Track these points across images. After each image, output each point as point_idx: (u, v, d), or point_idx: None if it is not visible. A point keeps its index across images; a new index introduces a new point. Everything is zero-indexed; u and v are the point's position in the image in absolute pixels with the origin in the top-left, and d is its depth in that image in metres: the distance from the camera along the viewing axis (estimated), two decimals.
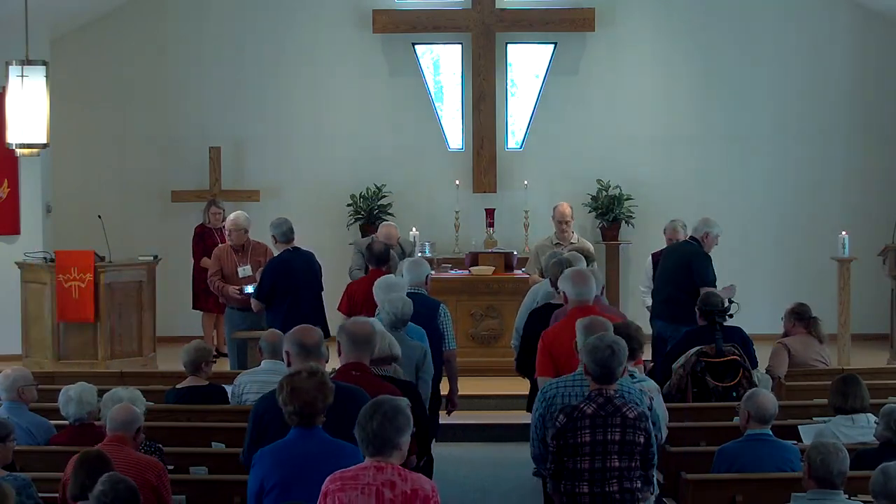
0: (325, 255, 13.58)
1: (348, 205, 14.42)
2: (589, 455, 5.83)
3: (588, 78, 14.71)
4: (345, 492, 4.83)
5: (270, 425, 5.64)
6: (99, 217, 12.28)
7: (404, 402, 4.98)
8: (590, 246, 11.52)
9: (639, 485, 5.93)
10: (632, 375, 6.69)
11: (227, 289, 11.02)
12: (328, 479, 4.91)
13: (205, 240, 13.13)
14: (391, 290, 8.13)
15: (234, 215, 11.38)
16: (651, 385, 6.95)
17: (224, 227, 11.39)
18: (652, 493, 6.15)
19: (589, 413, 5.85)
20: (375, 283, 8.47)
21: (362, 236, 13.33)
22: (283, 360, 8.27)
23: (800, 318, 9.48)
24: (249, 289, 10.88)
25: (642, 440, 5.88)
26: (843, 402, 7.15)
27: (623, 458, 5.85)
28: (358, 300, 9.22)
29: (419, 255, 12.71)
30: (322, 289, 10.54)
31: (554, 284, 8.47)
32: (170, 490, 6.14)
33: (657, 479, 6.46)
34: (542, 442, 6.22)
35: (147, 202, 14.59)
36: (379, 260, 9.78)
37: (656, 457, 6.10)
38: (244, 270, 11.07)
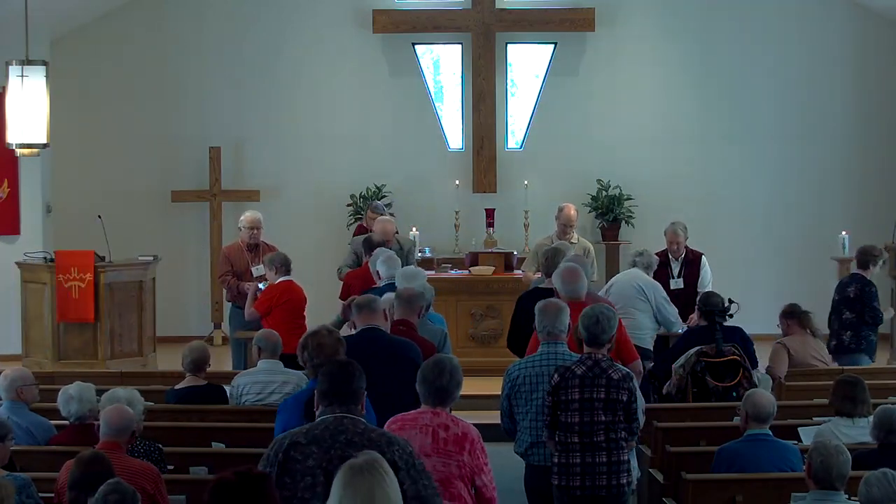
0: (325, 254, 13.64)
1: (348, 205, 14.42)
2: (578, 410, 6.54)
3: (588, 78, 14.71)
4: (405, 430, 5.55)
5: None
6: (99, 217, 12.26)
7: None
8: (589, 246, 11.53)
9: (623, 434, 6.60)
10: None
11: (243, 286, 11.02)
12: (389, 421, 5.67)
13: None
14: (414, 278, 8.45)
15: (253, 214, 11.44)
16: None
17: (244, 226, 11.39)
18: (636, 444, 6.95)
19: (579, 374, 6.58)
20: (398, 272, 8.65)
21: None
22: (279, 360, 8.38)
23: (792, 316, 9.53)
24: (262, 286, 10.94)
25: (625, 398, 6.56)
26: (853, 408, 7.13)
27: (608, 413, 6.54)
28: (355, 288, 9.34)
29: (419, 254, 12.72)
30: None
31: (546, 274, 8.83)
32: (166, 496, 6.10)
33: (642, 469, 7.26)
34: (510, 418, 7.02)
35: (147, 202, 14.59)
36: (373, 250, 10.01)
37: (639, 412, 6.78)
38: (258, 270, 11.13)
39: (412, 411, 5.76)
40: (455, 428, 5.67)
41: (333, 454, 4.73)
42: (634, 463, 7.07)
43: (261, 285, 10.92)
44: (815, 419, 7.81)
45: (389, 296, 7.93)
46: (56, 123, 11.07)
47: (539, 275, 9.71)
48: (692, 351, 8.51)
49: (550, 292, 8.05)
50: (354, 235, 12.48)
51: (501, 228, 14.00)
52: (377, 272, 9.17)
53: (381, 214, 11.99)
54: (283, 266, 10.26)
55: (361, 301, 7.23)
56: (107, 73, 14.63)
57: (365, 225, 12.50)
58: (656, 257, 10.55)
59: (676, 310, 10.14)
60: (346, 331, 7.78)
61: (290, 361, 8.67)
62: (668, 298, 10.15)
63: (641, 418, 7.12)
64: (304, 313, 10.29)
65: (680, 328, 10.07)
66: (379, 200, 14.35)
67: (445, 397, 5.71)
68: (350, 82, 14.74)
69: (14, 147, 10.09)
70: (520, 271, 12.53)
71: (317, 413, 4.98)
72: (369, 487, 4.04)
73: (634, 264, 10.27)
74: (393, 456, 4.72)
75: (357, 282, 9.58)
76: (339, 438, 4.79)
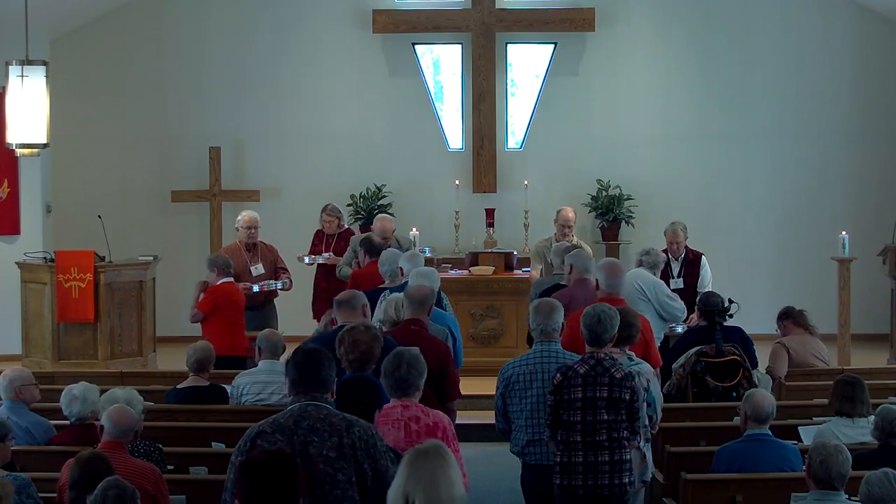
0: None
1: (348, 205, 14.40)
2: (581, 409, 6.53)
3: (588, 78, 14.71)
4: (378, 426, 5.53)
5: None
6: (99, 217, 12.27)
7: (417, 350, 5.98)
8: (589, 251, 11.53)
9: (625, 434, 6.56)
10: (629, 359, 7.04)
11: (240, 286, 11.06)
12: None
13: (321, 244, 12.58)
14: (428, 277, 8.52)
15: (249, 214, 11.50)
16: (647, 368, 7.13)
17: (241, 225, 11.46)
18: (638, 443, 6.76)
19: (581, 373, 6.57)
20: (412, 272, 8.71)
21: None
22: (279, 360, 8.38)
23: (787, 317, 9.54)
24: (256, 288, 11.16)
25: (628, 397, 6.53)
26: (853, 408, 7.14)
27: (610, 412, 6.52)
28: (364, 287, 9.36)
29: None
30: None
31: (559, 268, 9.22)
32: (167, 496, 6.10)
33: (650, 459, 7.12)
34: (504, 417, 7.01)
35: (147, 202, 14.60)
36: (373, 252, 10.13)
37: (643, 411, 6.73)
38: (257, 269, 11.23)
39: (383, 406, 5.94)
40: (426, 418, 5.85)
41: (296, 440, 4.87)
42: (650, 456, 7.07)
43: (255, 287, 10.96)
44: (815, 419, 7.81)
45: (398, 295, 7.92)
46: (56, 123, 11.07)
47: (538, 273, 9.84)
48: (692, 351, 8.52)
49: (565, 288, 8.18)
50: (313, 241, 12.39)
51: (501, 228, 14.00)
52: (400, 269, 9.19)
53: (338, 217, 12.23)
54: (225, 268, 10.41)
55: (342, 298, 7.33)
56: (107, 73, 14.63)
57: (322, 229, 12.41)
58: (663, 256, 10.52)
59: (682, 303, 10.06)
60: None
61: (236, 364, 8.65)
62: (671, 294, 10.08)
63: (660, 413, 7.15)
64: (243, 314, 10.53)
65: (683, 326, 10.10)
66: (379, 201, 14.39)
67: (408, 387, 5.89)
68: (350, 82, 14.73)
69: (14, 147, 10.09)
70: (520, 271, 12.57)
71: (288, 402, 5.10)
72: (432, 469, 4.23)
73: (640, 263, 10.20)
74: (352, 438, 4.90)
75: (366, 279, 9.59)
76: (302, 425, 4.91)
